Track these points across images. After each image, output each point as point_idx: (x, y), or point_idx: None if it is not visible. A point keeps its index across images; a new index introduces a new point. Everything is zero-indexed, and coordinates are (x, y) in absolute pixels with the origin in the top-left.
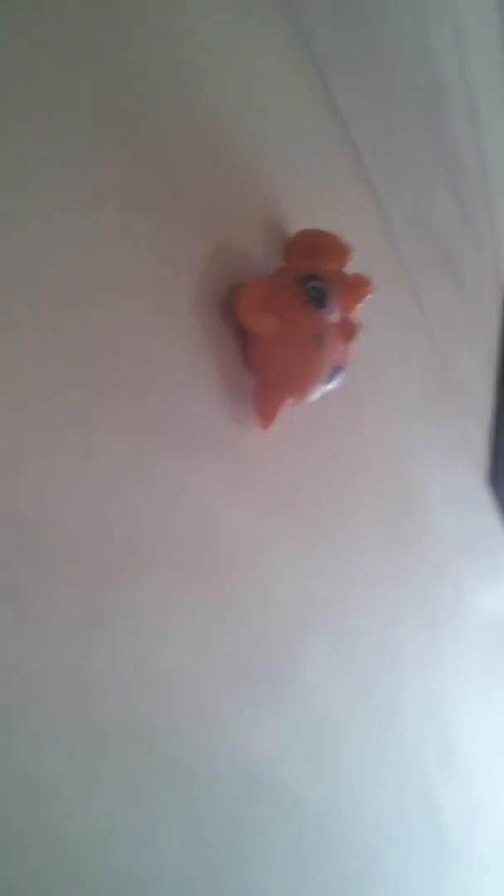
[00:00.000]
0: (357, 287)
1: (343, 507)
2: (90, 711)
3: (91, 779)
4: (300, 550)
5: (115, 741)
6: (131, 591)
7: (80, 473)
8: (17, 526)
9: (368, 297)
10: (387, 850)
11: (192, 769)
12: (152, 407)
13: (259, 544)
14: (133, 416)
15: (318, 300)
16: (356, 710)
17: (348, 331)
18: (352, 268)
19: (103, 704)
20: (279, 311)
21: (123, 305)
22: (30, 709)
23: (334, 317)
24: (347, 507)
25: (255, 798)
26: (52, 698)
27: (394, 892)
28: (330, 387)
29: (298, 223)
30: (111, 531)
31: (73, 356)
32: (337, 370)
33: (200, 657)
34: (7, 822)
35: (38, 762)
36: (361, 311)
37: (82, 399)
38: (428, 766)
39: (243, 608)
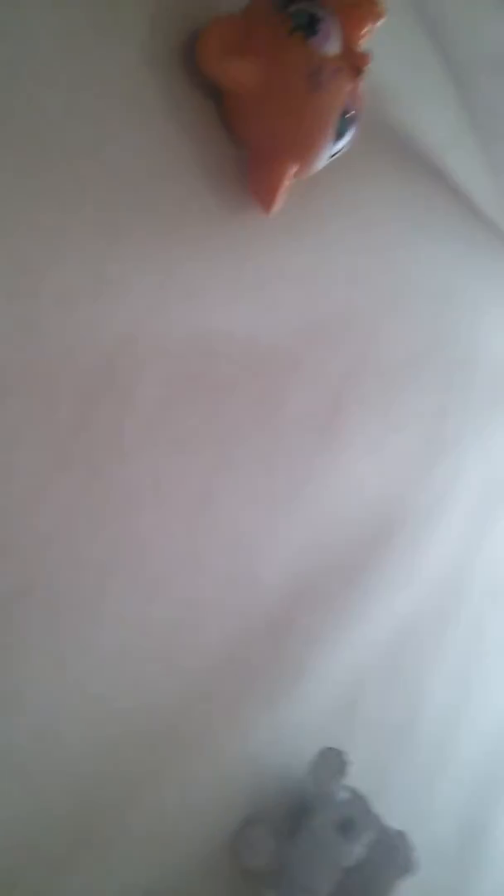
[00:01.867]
0: (361, 7)
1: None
2: None
3: None
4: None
5: None
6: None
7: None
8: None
9: (378, 21)
10: None
11: None
12: (113, 208)
13: (269, 344)
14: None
15: (308, 26)
16: None
17: (355, 64)
18: None
19: None
20: (257, 52)
21: (51, 76)
22: None
23: (332, 47)
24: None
25: None
26: None
27: None
28: (342, 143)
29: None
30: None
31: None
32: (348, 118)
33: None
34: None
35: None
36: (370, 41)
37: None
38: None
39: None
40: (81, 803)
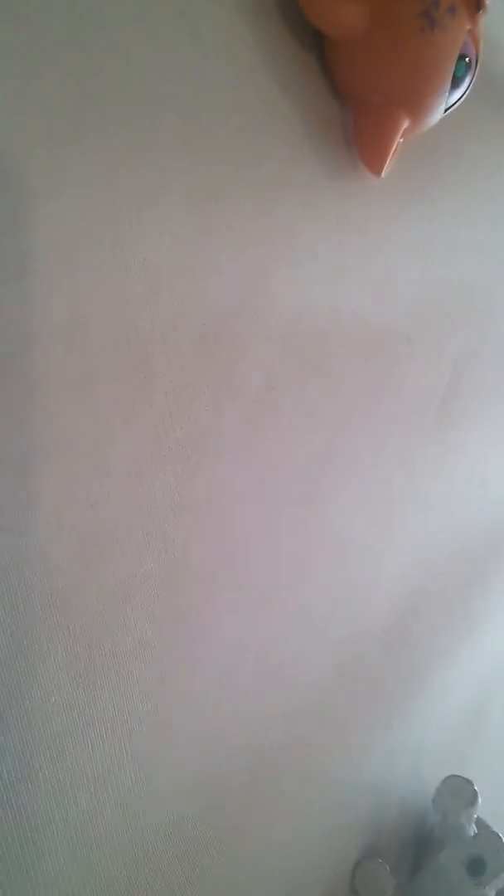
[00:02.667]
0: None
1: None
2: None
3: None
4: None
5: None
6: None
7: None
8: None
9: None
10: None
11: None
12: (205, 175)
13: (380, 322)
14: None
15: None
16: None
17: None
18: None
19: None
20: None
21: (138, 33)
22: None
23: None
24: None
25: None
26: None
27: None
28: (458, 92)
29: None
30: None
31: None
32: (465, 63)
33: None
34: None
35: None
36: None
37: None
38: None
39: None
40: (182, 835)
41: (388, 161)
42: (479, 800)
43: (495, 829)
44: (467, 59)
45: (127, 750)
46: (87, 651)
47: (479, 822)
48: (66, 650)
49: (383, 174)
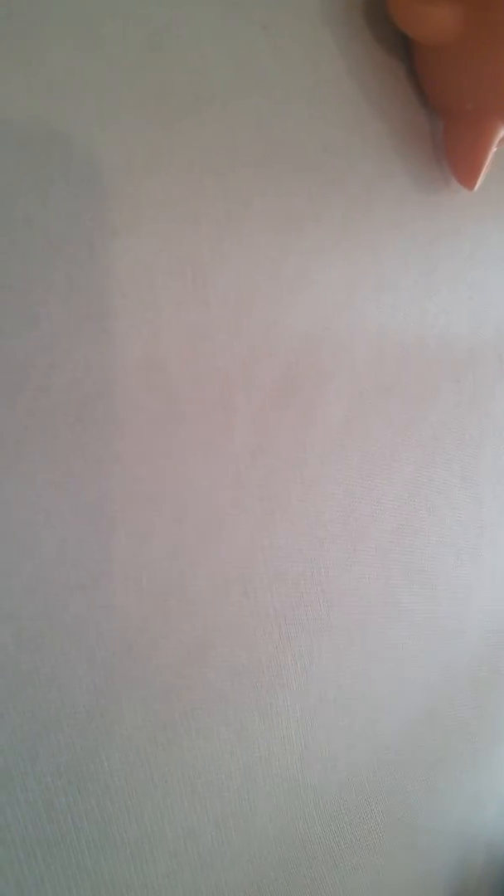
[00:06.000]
0: None
1: None
2: None
3: None
4: None
5: None
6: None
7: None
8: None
9: None
10: None
11: None
12: (289, 192)
13: (471, 343)
14: (274, 205)
15: None
16: None
17: None
18: None
19: None
20: None
21: (215, 40)
22: None
23: None
24: None
25: None
26: None
27: None
28: None
29: None
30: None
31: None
32: None
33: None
34: None
35: None
36: None
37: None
38: None
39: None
40: (264, 892)
41: (481, 173)
42: None
43: None
44: None
45: (207, 810)
46: (166, 708)
47: None
48: (144, 707)
49: (477, 187)
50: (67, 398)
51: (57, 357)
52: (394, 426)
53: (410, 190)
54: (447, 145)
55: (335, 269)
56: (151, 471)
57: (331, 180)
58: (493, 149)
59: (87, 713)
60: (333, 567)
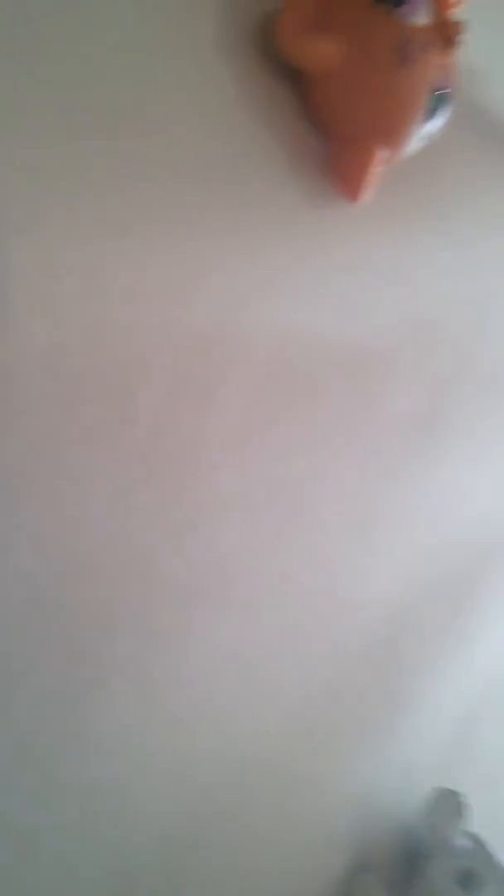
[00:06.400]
0: None
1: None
2: None
3: None
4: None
5: None
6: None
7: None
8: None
9: None
10: None
11: None
12: (188, 202)
13: (360, 343)
14: (163, 214)
15: None
16: None
17: (446, 35)
18: None
19: None
20: (338, 28)
21: (122, 65)
22: None
23: (422, 18)
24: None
25: None
26: None
27: None
28: (434, 123)
29: None
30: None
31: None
32: (440, 94)
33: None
34: None
35: None
36: (464, 8)
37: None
38: None
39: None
40: (171, 847)
41: (364, 189)
42: (468, 811)
43: (487, 841)
44: (442, 92)
45: (112, 765)
46: (80, 662)
47: (471, 836)
48: (58, 665)
49: (362, 202)
50: None
51: None
52: (290, 417)
53: (301, 202)
54: (332, 164)
55: (232, 271)
56: (56, 448)
57: (228, 191)
58: (374, 168)
59: None
60: (235, 545)
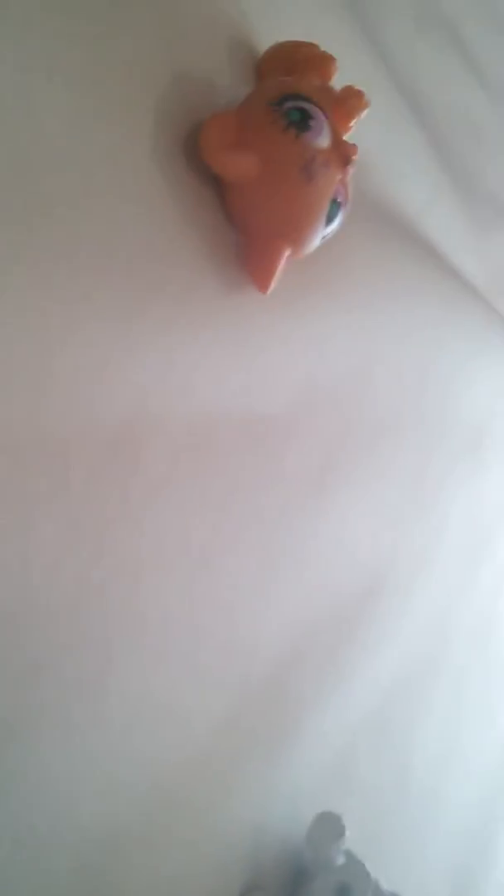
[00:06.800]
0: (348, 101)
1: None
2: None
3: None
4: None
5: None
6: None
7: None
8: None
9: (363, 111)
10: None
11: None
12: (120, 293)
13: (266, 412)
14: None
15: (300, 123)
16: None
17: (344, 155)
18: (340, 81)
19: None
20: (255, 145)
21: (58, 162)
22: None
23: (324, 141)
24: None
25: None
26: None
27: None
28: (332, 227)
29: (270, 38)
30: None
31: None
32: (337, 205)
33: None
34: None
35: None
36: (357, 131)
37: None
38: None
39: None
40: (81, 870)
41: (272, 280)
42: (347, 832)
43: (362, 859)
44: (338, 201)
45: (34, 795)
46: (4, 709)
47: (348, 854)
48: None
49: (268, 292)
50: None
51: None
52: (200, 480)
53: (219, 292)
54: (245, 259)
55: (156, 354)
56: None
57: (154, 284)
58: (281, 263)
59: None
60: (147, 597)
